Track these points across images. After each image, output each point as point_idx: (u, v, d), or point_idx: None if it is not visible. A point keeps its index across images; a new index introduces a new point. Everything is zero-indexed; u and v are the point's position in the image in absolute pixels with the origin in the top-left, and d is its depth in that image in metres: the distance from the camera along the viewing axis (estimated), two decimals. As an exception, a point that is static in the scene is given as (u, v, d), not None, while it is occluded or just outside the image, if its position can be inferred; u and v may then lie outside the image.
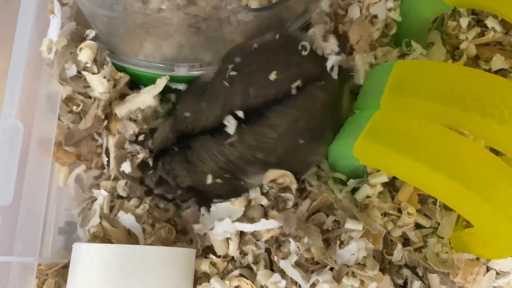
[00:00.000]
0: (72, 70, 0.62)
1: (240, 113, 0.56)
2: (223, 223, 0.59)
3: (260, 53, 0.59)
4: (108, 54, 0.65)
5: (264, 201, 0.60)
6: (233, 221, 0.59)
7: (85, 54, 0.62)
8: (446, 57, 0.67)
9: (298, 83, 0.56)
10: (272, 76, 0.56)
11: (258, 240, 0.60)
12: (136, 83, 0.70)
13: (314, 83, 0.57)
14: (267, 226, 0.58)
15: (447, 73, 0.52)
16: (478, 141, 0.49)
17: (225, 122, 0.56)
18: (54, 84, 0.62)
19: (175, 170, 0.60)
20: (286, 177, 0.59)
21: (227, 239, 0.60)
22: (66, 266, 0.62)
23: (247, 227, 0.58)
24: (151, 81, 0.67)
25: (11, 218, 0.53)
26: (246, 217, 0.60)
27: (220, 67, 0.60)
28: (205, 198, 0.62)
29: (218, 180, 0.59)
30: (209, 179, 0.59)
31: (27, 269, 0.56)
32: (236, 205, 0.60)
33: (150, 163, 0.62)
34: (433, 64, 0.59)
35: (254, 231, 0.59)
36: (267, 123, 0.56)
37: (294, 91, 0.56)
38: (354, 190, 0.61)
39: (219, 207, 0.61)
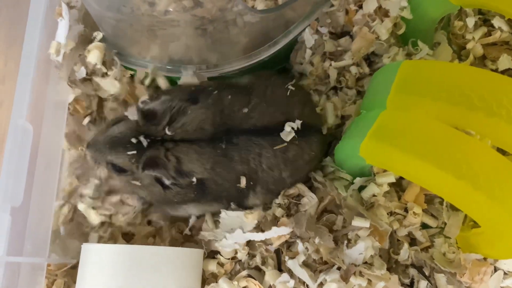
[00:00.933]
0: (81, 72, 0.63)
1: (298, 123, 0.58)
2: (234, 234, 0.58)
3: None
4: (116, 53, 0.65)
5: (279, 212, 0.60)
6: (245, 232, 0.58)
7: (94, 55, 0.63)
8: (452, 57, 0.67)
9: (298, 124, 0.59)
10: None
11: (268, 245, 0.60)
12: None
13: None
14: (278, 233, 0.58)
15: (453, 73, 0.51)
16: (485, 140, 0.49)
17: (286, 127, 0.58)
18: (62, 86, 0.62)
19: (198, 160, 0.57)
20: (296, 188, 0.61)
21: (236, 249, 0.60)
22: (74, 267, 0.62)
23: (259, 236, 0.58)
24: (158, 82, 0.68)
25: (21, 219, 0.54)
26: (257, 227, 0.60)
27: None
28: (205, 195, 0.60)
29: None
30: (243, 182, 0.58)
31: (36, 269, 0.57)
32: (249, 219, 0.59)
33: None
34: (440, 64, 0.59)
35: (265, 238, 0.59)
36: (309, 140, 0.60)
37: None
38: (360, 189, 0.61)
39: (230, 215, 0.60)
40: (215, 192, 0.59)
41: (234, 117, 0.58)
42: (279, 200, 0.61)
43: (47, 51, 0.61)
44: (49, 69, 0.61)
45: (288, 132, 0.58)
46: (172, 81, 0.68)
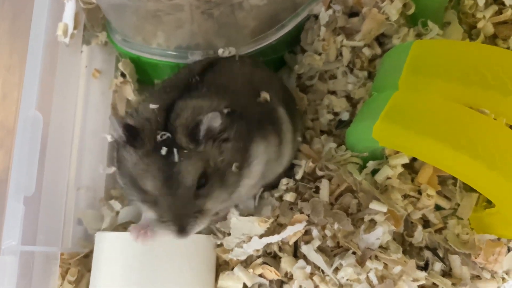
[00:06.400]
0: None
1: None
2: (251, 243, 0.56)
3: None
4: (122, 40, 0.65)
5: (290, 197, 0.59)
6: (261, 238, 0.56)
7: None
8: (463, 36, 0.66)
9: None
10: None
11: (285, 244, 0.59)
12: (149, 73, 0.70)
13: None
14: (294, 231, 0.57)
15: (467, 52, 0.51)
16: (499, 119, 0.49)
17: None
18: (70, 74, 0.62)
19: None
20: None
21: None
22: (87, 256, 0.62)
23: (275, 238, 0.57)
24: (165, 69, 0.67)
25: (33, 208, 0.54)
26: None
27: None
28: None
29: None
30: None
31: (51, 258, 0.57)
32: (262, 226, 0.57)
33: None
34: (452, 43, 0.58)
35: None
36: None
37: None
38: (373, 173, 0.61)
39: (242, 220, 0.57)
40: None
41: None
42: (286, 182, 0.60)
43: (54, 40, 0.60)
44: (57, 58, 0.61)
45: None
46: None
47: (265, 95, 0.56)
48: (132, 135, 0.47)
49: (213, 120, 0.47)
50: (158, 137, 0.47)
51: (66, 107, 0.62)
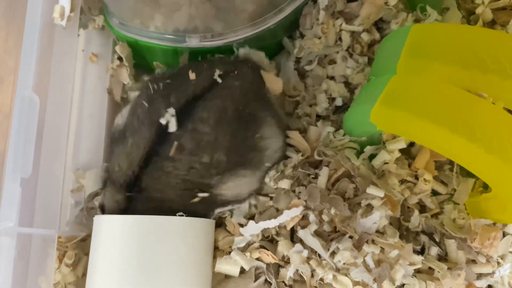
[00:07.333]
0: None
1: (172, 111, 0.55)
2: (248, 228, 0.57)
3: (174, 73, 0.62)
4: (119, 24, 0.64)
5: (286, 184, 0.59)
6: (256, 220, 0.58)
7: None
8: (461, 22, 0.66)
9: (218, 72, 0.58)
10: (192, 75, 0.58)
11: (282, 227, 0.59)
12: (146, 58, 0.70)
13: (227, 75, 0.59)
14: (291, 216, 0.57)
15: (466, 35, 0.51)
16: (498, 103, 0.49)
17: (163, 121, 0.55)
18: (67, 57, 0.61)
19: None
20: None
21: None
22: (84, 239, 0.62)
23: (272, 223, 0.57)
24: (163, 53, 0.67)
25: (31, 190, 0.54)
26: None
27: (132, 105, 0.61)
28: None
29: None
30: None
31: (48, 241, 0.57)
32: None
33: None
34: (452, 26, 0.57)
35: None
36: (196, 118, 0.56)
37: (218, 79, 0.58)
38: (370, 158, 0.61)
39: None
40: None
41: None
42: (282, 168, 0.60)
43: (50, 22, 0.60)
44: (53, 40, 0.61)
45: None
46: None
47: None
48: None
49: None
50: None
51: (63, 90, 0.62)
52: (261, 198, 0.61)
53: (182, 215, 0.55)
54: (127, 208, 0.56)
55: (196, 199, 0.56)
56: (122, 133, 0.59)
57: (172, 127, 0.55)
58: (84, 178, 0.64)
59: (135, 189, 0.55)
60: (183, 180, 0.56)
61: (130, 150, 0.56)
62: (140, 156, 0.55)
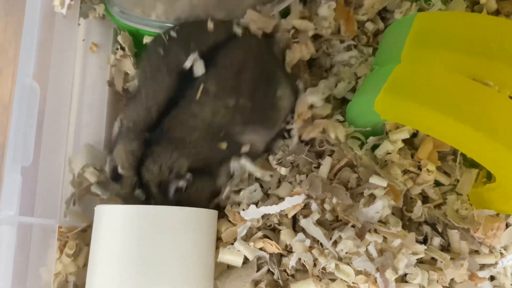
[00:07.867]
0: None
1: (195, 56, 0.55)
2: (248, 211, 0.57)
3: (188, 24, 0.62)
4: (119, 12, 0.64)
5: (284, 171, 0.59)
6: (258, 206, 0.57)
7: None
8: (465, 11, 0.65)
9: (237, 25, 0.60)
10: (210, 25, 0.58)
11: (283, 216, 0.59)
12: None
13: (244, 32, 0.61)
14: (293, 203, 0.57)
15: (471, 23, 0.50)
16: (504, 91, 0.48)
17: (188, 63, 0.55)
18: (67, 46, 0.61)
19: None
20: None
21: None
22: (85, 230, 0.62)
23: (273, 209, 0.57)
24: (164, 42, 0.66)
25: (31, 179, 0.53)
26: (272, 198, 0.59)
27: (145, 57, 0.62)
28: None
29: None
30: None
31: (48, 231, 0.57)
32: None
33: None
34: (456, 14, 0.57)
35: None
36: (219, 64, 0.56)
37: (238, 30, 0.60)
38: (373, 149, 0.61)
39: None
40: None
41: None
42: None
43: (51, 10, 0.59)
44: (53, 28, 0.60)
45: None
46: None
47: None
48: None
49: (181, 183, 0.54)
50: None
51: (63, 80, 0.61)
52: None
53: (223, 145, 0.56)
54: (142, 156, 0.54)
55: (223, 145, 0.56)
56: (134, 94, 0.59)
57: (200, 70, 0.55)
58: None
59: (156, 132, 0.55)
60: (209, 124, 0.55)
61: (145, 100, 0.56)
62: (159, 102, 0.55)
